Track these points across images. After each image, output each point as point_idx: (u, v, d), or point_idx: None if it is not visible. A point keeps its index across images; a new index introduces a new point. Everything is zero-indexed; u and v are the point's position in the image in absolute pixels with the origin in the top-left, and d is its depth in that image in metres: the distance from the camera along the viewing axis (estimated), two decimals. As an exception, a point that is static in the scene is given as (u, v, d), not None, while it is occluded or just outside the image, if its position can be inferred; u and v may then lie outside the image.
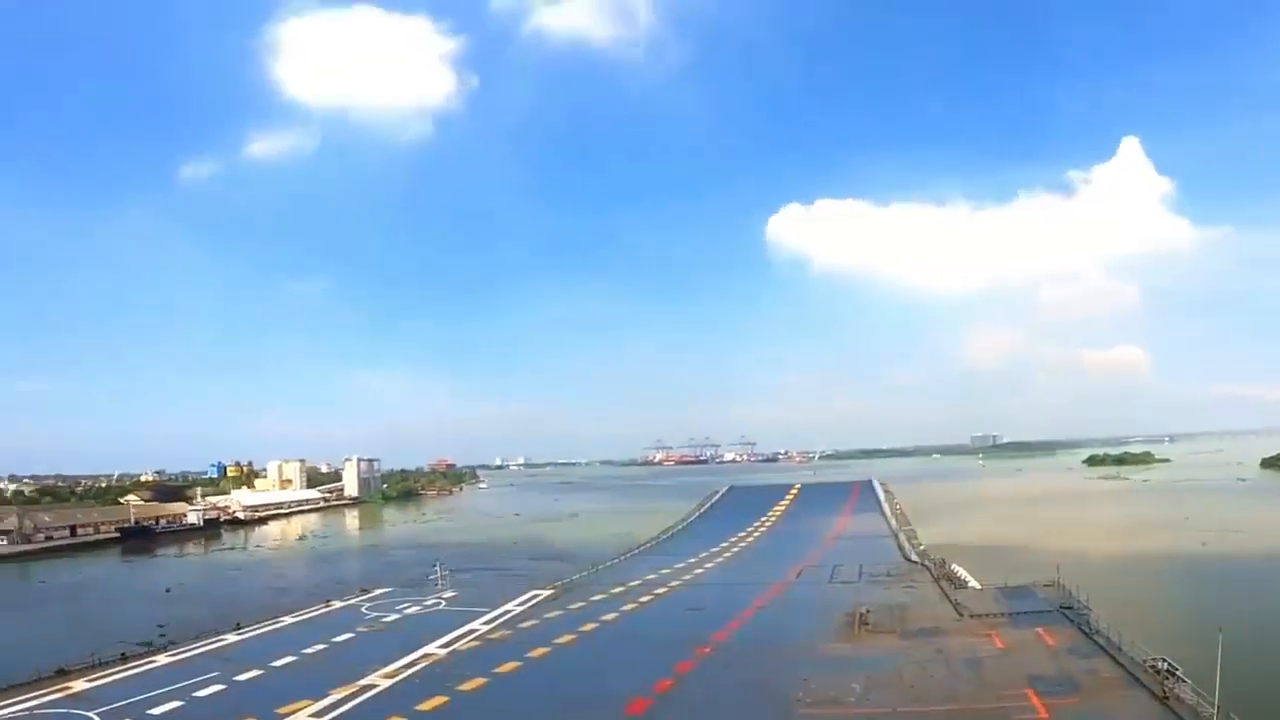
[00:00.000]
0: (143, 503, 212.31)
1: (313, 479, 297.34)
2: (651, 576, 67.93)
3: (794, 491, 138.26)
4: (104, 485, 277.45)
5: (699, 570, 72.53)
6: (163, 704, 35.72)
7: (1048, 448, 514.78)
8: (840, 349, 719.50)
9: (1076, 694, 31.27)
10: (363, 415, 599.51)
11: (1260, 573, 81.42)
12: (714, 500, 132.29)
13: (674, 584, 65.05)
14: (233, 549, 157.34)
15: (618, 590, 61.45)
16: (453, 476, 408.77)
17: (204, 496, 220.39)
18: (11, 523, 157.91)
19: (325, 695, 35.74)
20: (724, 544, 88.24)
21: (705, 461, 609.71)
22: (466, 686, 36.87)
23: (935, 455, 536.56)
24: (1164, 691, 30.07)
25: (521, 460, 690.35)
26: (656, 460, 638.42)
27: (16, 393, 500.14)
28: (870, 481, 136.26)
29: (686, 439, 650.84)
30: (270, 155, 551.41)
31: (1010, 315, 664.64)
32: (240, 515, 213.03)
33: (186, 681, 39.02)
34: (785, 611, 53.35)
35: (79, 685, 39.67)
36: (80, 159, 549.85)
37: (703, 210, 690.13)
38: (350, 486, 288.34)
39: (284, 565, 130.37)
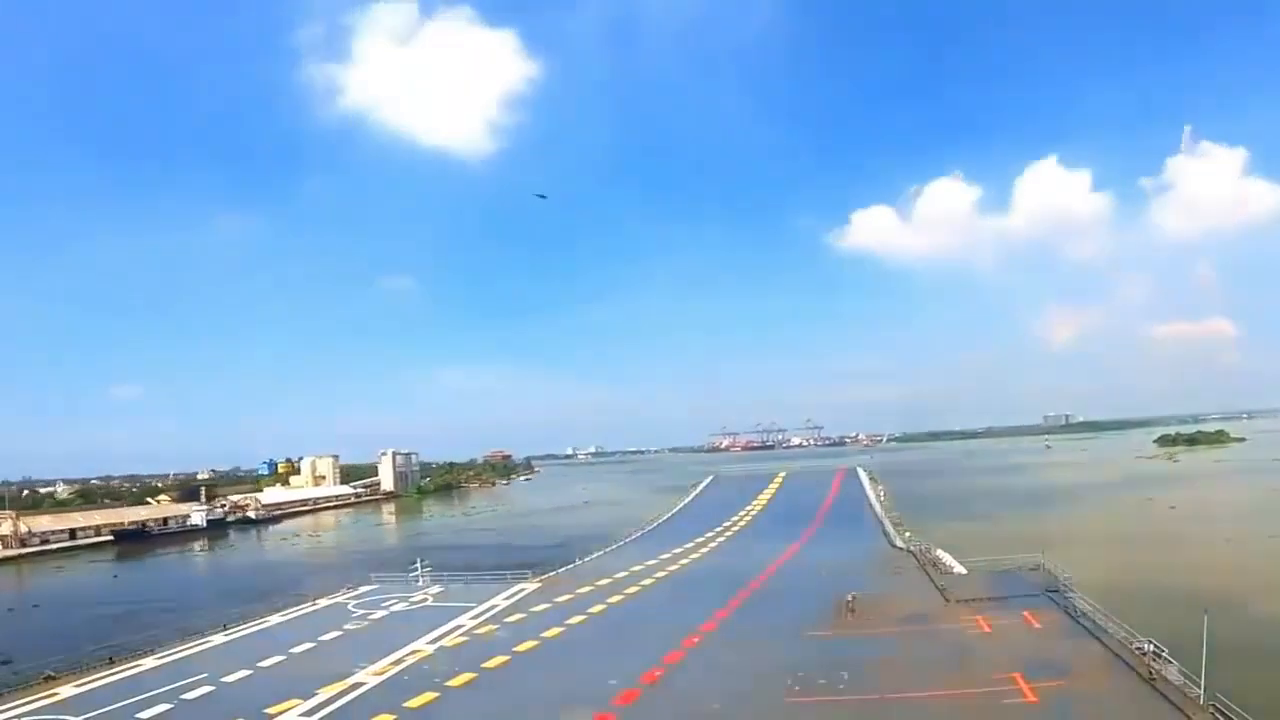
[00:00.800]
0: (170, 501, 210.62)
1: (354, 474, 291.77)
2: (637, 568, 68.03)
3: (779, 479, 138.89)
4: (157, 485, 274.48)
5: (684, 561, 72.66)
6: (151, 707, 35.43)
7: (1121, 426, 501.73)
8: (910, 333, 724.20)
9: (1064, 677, 31.66)
10: (434, 410, 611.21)
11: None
12: (698, 490, 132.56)
13: (659, 575, 65.14)
14: (226, 550, 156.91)
15: (604, 582, 61.49)
16: (503, 468, 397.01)
17: (208, 497, 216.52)
18: (6, 527, 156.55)
19: (314, 694, 35.64)
20: (708, 534, 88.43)
21: (771, 447, 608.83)
22: (455, 682, 36.85)
23: (993, 437, 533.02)
24: (1150, 673, 30.54)
25: (592, 449, 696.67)
26: (723, 446, 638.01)
27: (109, 399, 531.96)
28: (854, 469, 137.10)
29: (753, 424, 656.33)
30: (340, 168, 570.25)
31: (1087, 294, 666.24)
32: (252, 514, 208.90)
33: (174, 684, 38.69)
34: (771, 600, 53.58)
35: (66, 690, 39.25)
36: (157, 177, 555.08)
37: (767, 210, 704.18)
38: (386, 481, 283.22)
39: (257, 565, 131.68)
